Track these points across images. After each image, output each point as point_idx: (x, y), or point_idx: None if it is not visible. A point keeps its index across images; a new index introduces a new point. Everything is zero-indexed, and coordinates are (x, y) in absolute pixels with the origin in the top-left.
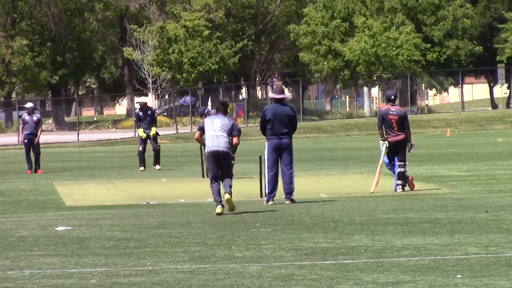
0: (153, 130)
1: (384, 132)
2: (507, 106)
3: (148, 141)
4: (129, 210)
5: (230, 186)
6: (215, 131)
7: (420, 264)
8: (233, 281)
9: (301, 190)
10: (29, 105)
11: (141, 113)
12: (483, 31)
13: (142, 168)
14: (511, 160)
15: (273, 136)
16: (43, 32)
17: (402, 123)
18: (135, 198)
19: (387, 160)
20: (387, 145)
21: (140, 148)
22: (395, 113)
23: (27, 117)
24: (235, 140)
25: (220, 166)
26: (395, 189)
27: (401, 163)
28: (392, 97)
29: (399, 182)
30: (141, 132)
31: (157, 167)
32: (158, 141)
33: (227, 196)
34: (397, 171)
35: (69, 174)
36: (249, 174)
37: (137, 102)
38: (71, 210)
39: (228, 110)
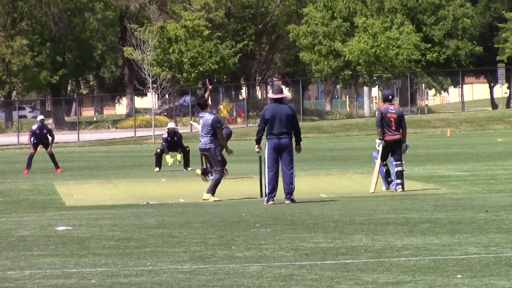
0: (178, 157)
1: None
2: (507, 106)
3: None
4: (129, 210)
5: (209, 172)
6: (200, 131)
7: (420, 264)
8: (233, 281)
9: (301, 190)
10: (40, 117)
11: (169, 139)
12: (483, 31)
13: (157, 169)
14: (511, 160)
15: (273, 136)
16: (43, 32)
17: (400, 122)
18: (135, 198)
19: (377, 157)
20: (383, 144)
21: (158, 150)
22: (393, 111)
23: (38, 131)
24: (220, 137)
25: (207, 160)
26: (395, 189)
27: (398, 162)
28: (390, 96)
29: (398, 181)
30: (168, 159)
31: (188, 168)
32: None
33: (197, 171)
34: (395, 170)
35: (69, 174)
36: (249, 174)
37: (167, 128)
38: (71, 210)
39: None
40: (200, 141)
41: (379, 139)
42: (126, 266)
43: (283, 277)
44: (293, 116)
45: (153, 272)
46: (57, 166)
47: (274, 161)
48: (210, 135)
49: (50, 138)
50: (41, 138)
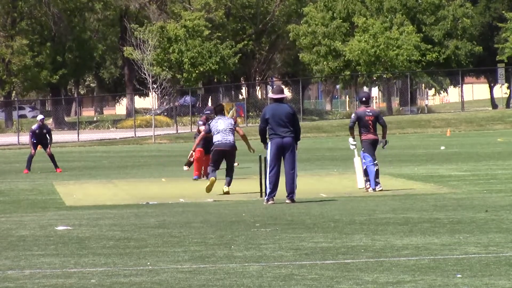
0: None
1: (359, 132)
2: (507, 106)
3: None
4: (129, 210)
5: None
6: (222, 130)
7: (420, 264)
8: (233, 281)
9: (301, 190)
10: (40, 117)
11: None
12: (483, 31)
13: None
14: (511, 160)
15: (276, 136)
16: (43, 32)
17: (377, 122)
18: (135, 198)
19: (369, 157)
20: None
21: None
22: (370, 114)
23: (37, 131)
24: (240, 132)
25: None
26: (365, 187)
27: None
28: (364, 98)
29: (366, 178)
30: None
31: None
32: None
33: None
34: (370, 169)
35: (69, 174)
36: (249, 174)
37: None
38: (71, 210)
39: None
40: (226, 139)
41: (353, 138)
42: (126, 266)
43: (283, 277)
44: (293, 114)
45: (153, 272)
46: (56, 166)
47: (276, 160)
48: (232, 134)
49: (48, 138)
50: (41, 137)
